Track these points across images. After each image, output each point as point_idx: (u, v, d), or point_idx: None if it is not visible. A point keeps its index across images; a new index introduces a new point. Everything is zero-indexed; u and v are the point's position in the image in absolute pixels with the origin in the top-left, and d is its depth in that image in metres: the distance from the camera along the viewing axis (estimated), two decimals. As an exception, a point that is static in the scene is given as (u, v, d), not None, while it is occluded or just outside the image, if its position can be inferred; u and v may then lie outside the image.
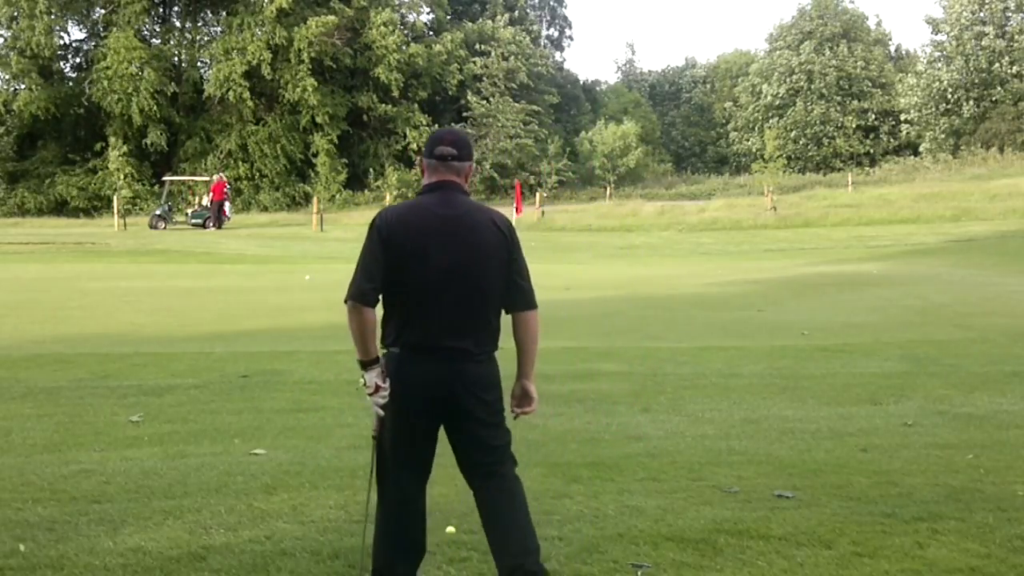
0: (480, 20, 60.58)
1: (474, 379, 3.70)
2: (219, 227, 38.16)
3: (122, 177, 52.22)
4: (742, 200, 44.25)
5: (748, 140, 66.45)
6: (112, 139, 53.11)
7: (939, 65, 58.09)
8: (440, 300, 3.65)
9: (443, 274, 3.65)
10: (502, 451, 3.80)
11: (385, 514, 3.78)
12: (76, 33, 57.77)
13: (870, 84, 62.23)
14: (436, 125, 56.74)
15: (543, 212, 41.61)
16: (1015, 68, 54.85)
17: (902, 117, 59.46)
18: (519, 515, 3.76)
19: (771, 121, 63.52)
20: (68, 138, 56.12)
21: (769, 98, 63.19)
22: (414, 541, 3.81)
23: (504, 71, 57.40)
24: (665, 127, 72.58)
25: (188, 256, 28.25)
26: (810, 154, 62.14)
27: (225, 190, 40.17)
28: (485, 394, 3.73)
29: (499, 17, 60.25)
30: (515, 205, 17.72)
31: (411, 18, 59.89)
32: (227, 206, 41.92)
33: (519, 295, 3.80)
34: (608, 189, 53.27)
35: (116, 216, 41.05)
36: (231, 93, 51.95)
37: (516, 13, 62.52)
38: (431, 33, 60.01)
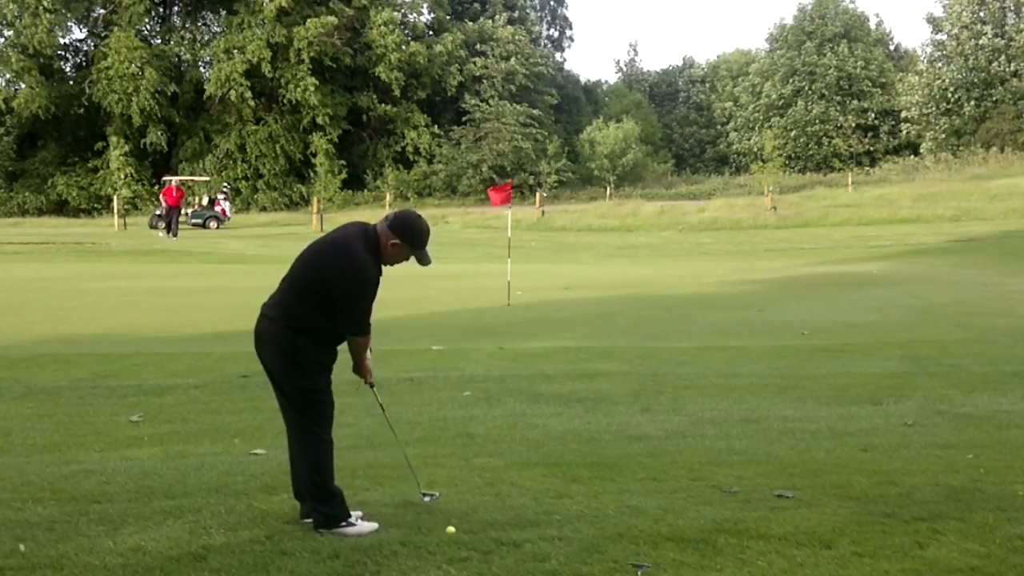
0: (480, 20, 60.56)
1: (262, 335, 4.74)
2: (174, 235, 34.68)
3: (122, 177, 52.24)
4: (742, 200, 44.25)
5: (748, 140, 66.46)
6: (112, 139, 53.15)
7: (939, 65, 58.08)
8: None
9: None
10: (291, 401, 4.67)
11: None
12: (77, 33, 57.95)
13: (870, 84, 62.24)
14: (436, 125, 56.81)
15: (543, 212, 41.61)
16: (1014, 67, 54.83)
17: (902, 116, 59.44)
18: (295, 456, 4.76)
19: (772, 120, 63.52)
20: (68, 138, 56.17)
21: (773, 97, 63.18)
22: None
23: (503, 72, 57.38)
24: (665, 127, 72.58)
25: (188, 256, 28.25)
26: (810, 154, 62.15)
27: (184, 198, 37.31)
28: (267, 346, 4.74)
29: (499, 17, 60.23)
30: (498, 197, 17.45)
31: (411, 18, 59.92)
32: (227, 206, 41.82)
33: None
34: (608, 189, 53.25)
35: (116, 216, 41.04)
36: (232, 92, 51.96)
37: (516, 13, 62.51)
38: (431, 33, 60.02)
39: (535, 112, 57.24)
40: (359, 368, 4.82)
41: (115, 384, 9.27)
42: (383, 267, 4.69)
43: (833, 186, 47.70)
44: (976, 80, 55.99)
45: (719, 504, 5.05)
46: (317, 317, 4.55)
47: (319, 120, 53.52)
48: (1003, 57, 54.98)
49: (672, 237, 33.95)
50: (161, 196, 37.96)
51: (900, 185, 44.12)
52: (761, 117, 64.92)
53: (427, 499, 4.98)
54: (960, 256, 24.67)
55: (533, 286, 17.65)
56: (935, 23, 59.14)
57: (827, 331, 12.74)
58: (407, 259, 4.70)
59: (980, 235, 29.12)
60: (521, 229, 33.23)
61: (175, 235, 34.66)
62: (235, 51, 52.52)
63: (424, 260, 4.69)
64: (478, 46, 58.56)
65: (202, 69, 57.41)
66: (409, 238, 4.61)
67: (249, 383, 9.00)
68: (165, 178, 45.26)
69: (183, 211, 37.84)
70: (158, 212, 40.71)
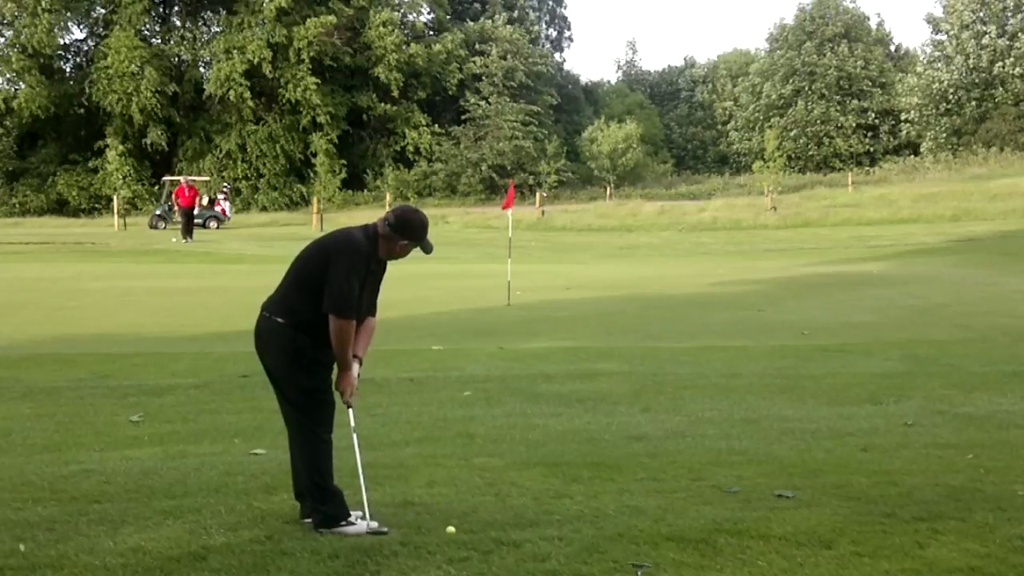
0: (480, 20, 60.57)
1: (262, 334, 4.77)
2: (190, 237, 32.69)
3: (121, 177, 52.23)
4: (742, 200, 44.19)
5: (749, 140, 66.43)
6: (112, 139, 53.12)
7: (939, 65, 58.04)
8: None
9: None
10: (291, 400, 4.69)
11: None
12: (76, 32, 57.91)
13: (870, 84, 62.22)
14: (436, 125, 56.80)
15: (543, 212, 41.61)
16: (1016, 68, 54.78)
17: (902, 116, 59.41)
18: (295, 456, 4.76)
19: (772, 120, 63.48)
20: (68, 138, 56.13)
21: (773, 97, 63.15)
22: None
23: (503, 71, 57.38)
24: (665, 127, 72.54)
25: (188, 256, 28.24)
26: (810, 154, 62.12)
27: (198, 197, 35.09)
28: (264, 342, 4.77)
29: (498, 17, 60.24)
30: (506, 201, 17.92)
31: (411, 18, 59.91)
32: (227, 206, 41.71)
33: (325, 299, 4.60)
34: (608, 189, 53.21)
35: (116, 216, 41.01)
36: (232, 92, 51.95)
37: (516, 13, 62.52)
38: (431, 33, 60.02)
39: (535, 108, 57.25)
40: (341, 377, 4.69)
41: (115, 384, 9.27)
42: (388, 261, 4.81)
43: (833, 186, 47.64)
44: (976, 80, 55.95)
45: (719, 504, 5.05)
46: (316, 312, 4.58)
47: (319, 120, 53.49)
48: (1010, 59, 54.82)
49: (672, 237, 33.94)
50: (174, 197, 35.75)
51: (900, 185, 44.08)
52: (761, 117, 64.87)
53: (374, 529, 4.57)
54: (960, 256, 24.64)
55: (533, 286, 17.64)
56: (934, 23, 59.13)
57: (827, 331, 12.73)
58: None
59: (980, 235, 29.10)
60: (521, 229, 33.21)
61: (191, 237, 32.61)
62: (235, 51, 52.50)
63: (428, 248, 4.83)
64: (478, 46, 58.56)
65: (202, 69, 57.38)
66: (413, 235, 4.75)
67: (249, 383, 8.99)
68: (165, 178, 45.13)
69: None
70: (158, 212, 40.65)
